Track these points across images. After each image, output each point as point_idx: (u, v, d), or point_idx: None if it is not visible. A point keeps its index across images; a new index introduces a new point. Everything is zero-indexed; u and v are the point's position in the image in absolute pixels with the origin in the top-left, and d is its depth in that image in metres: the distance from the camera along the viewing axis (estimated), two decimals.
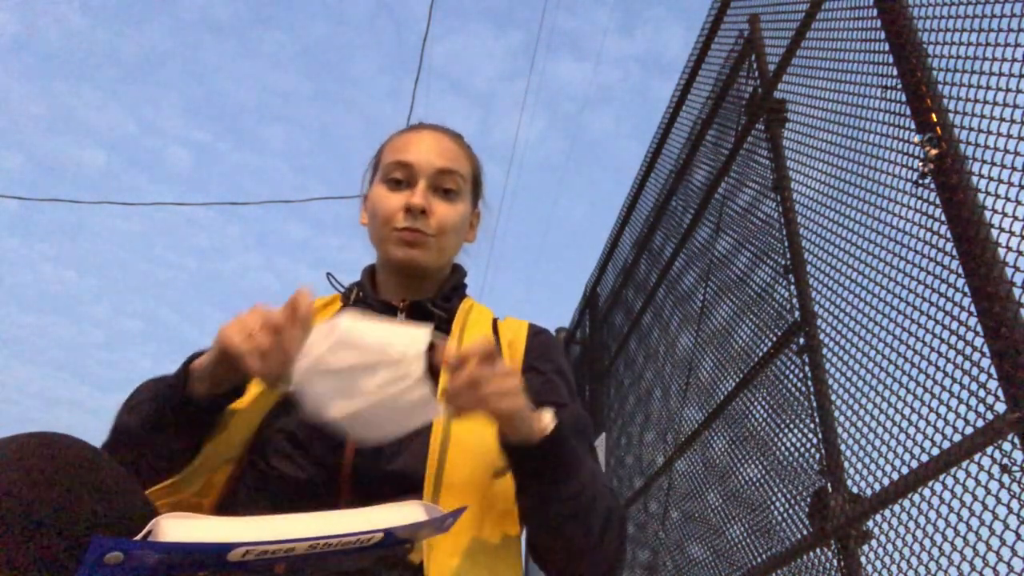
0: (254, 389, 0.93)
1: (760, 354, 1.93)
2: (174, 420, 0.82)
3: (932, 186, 1.29)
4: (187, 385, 0.82)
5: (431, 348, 0.72)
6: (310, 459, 0.88)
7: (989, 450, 1.08)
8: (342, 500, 0.87)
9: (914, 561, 1.21)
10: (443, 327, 1.01)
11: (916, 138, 1.34)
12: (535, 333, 1.07)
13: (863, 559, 1.39)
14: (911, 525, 1.23)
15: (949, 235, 1.24)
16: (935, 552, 1.16)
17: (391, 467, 0.88)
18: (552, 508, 0.83)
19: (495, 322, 1.08)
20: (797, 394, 1.70)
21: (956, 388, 1.17)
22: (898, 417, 1.31)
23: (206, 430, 0.87)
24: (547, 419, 0.80)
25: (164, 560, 0.59)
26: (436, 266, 1.06)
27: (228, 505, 0.89)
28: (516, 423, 0.77)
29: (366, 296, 1.06)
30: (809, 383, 1.65)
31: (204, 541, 0.61)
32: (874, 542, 1.36)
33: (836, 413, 1.55)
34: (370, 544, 0.68)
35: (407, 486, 0.85)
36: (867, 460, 1.39)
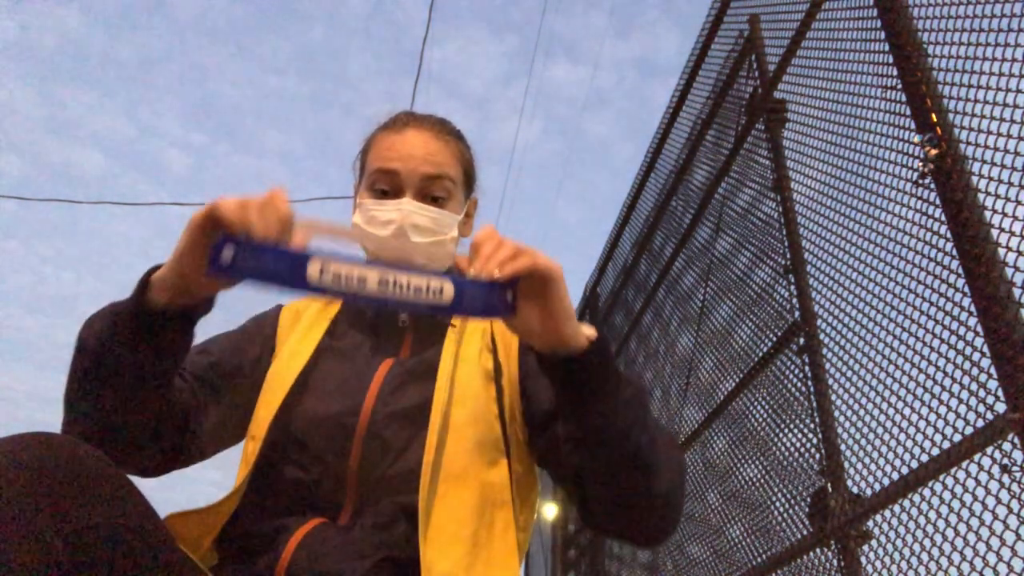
0: (278, 368, 0.96)
1: (760, 354, 1.93)
2: (130, 331, 0.75)
3: (932, 186, 1.29)
4: (145, 293, 0.75)
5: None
6: (317, 462, 0.88)
7: (989, 450, 1.08)
8: (348, 501, 0.88)
9: (914, 561, 1.21)
10: (446, 326, 1.01)
11: (916, 138, 1.34)
12: None
13: (863, 559, 1.39)
14: (911, 525, 1.23)
15: (949, 235, 1.24)
16: (935, 552, 1.16)
17: (395, 467, 0.88)
18: (607, 423, 0.76)
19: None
20: (797, 394, 1.70)
21: (956, 388, 1.17)
22: (898, 417, 1.31)
23: (169, 356, 0.80)
24: (591, 329, 0.77)
25: (263, 266, 0.68)
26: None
27: (238, 511, 0.89)
28: (556, 306, 0.73)
29: None
30: (809, 383, 1.65)
31: (288, 249, 0.69)
32: (874, 542, 1.36)
33: (836, 413, 1.55)
34: (438, 303, 0.71)
35: (412, 484, 0.86)
36: (867, 460, 1.39)
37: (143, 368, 0.78)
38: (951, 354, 1.20)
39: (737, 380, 2.06)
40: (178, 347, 0.81)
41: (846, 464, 1.48)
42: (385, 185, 1.00)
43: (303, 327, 1.03)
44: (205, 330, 0.92)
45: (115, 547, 0.67)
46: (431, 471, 0.84)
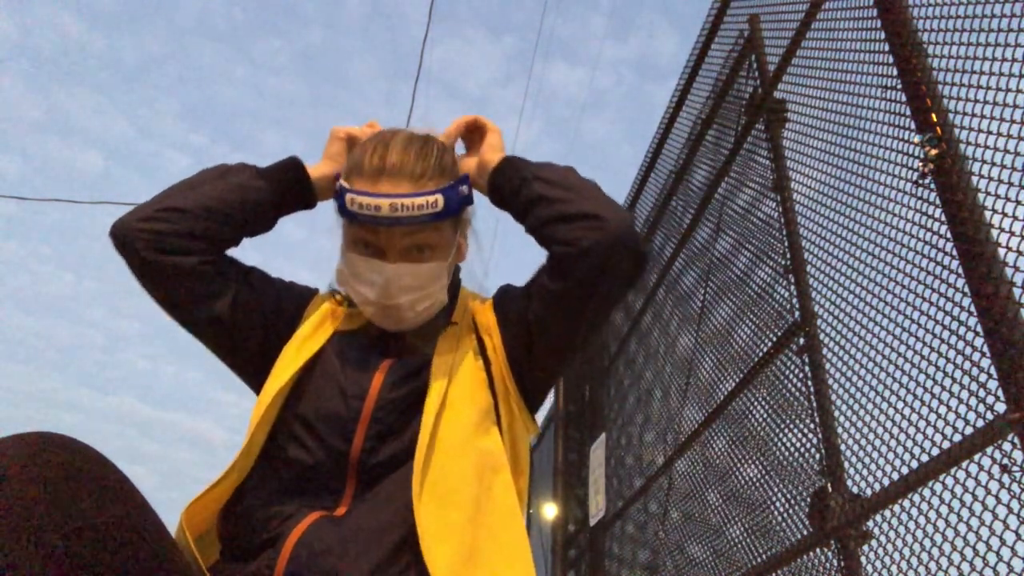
0: (290, 350, 0.99)
1: (760, 354, 1.93)
2: (278, 175, 1.03)
3: (932, 186, 1.29)
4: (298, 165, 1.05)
5: None
6: (321, 445, 0.91)
7: (989, 450, 1.08)
8: (349, 483, 0.90)
9: (914, 561, 1.21)
10: (443, 326, 1.05)
11: (916, 138, 1.34)
12: (496, 292, 1.12)
13: (863, 559, 1.39)
14: (911, 525, 1.23)
15: (949, 235, 1.24)
16: (935, 552, 1.16)
17: (396, 448, 0.91)
18: (545, 189, 0.96)
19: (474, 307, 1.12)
20: (797, 394, 1.70)
21: (956, 388, 1.17)
22: (898, 417, 1.31)
23: (280, 206, 1.04)
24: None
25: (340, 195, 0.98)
26: (422, 319, 1.03)
27: (243, 490, 0.90)
28: (488, 143, 1.05)
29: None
30: (809, 383, 1.65)
31: (340, 187, 0.99)
32: (874, 542, 1.36)
33: (836, 413, 1.55)
34: (436, 211, 0.96)
35: (409, 462, 0.89)
36: (867, 460, 1.39)
37: (261, 201, 1.01)
38: (951, 354, 1.20)
39: (737, 380, 2.06)
40: (286, 206, 1.04)
41: (846, 464, 1.48)
42: (366, 243, 0.98)
43: (317, 319, 1.05)
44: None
45: (115, 546, 0.67)
46: (427, 445, 0.88)
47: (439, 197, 0.96)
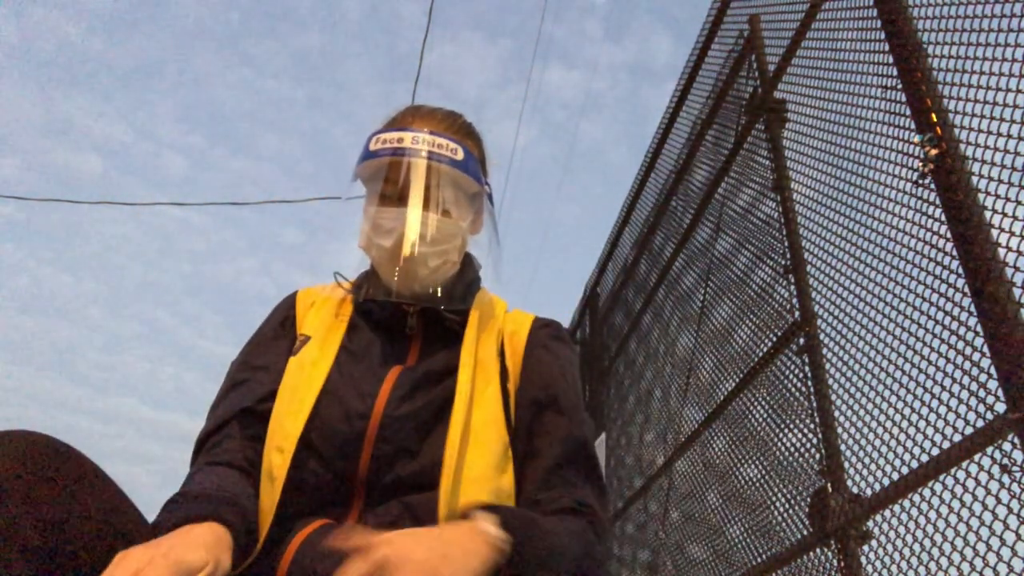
0: (301, 378, 0.93)
1: (760, 354, 1.93)
2: None
3: (932, 186, 1.29)
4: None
5: None
6: (326, 467, 0.88)
7: (989, 450, 1.08)
8: (355, 501, 0.87)
9: (914, 561, 1.21)
10: (456, 332, 1.00)
11: (916, 138, 1.34)
12: (540, 326, 1.05)
13: (863, 559, 1.39)
14: (911, 525, 1.23)
15: (949, 235, 1.24)
16: (935, 552, 1.16)
17: (405, 472, 0.87)
18: None
19: (504, 314, 1.07)
20: (797, 394, 1.70)
21: (956, 388, 1.17)
22: (898, 417, 1.31)
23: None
24: (491, 530, 0.72)
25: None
26: (435, 280, 1.01)
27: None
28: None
29: (376, 293, 1.04)
30: (809, 383, 1.65)
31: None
32: (874, 542, 1.36)
33: (836, 413, 1.55)
34: (453, 159, 0.96)
35: (421, 485, 0.86)
36: (867, 460, 1.39)
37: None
38: (951, 354, 1.20)
39: (737, 380, 2.06)
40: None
41: (846, 464, 1.48)
42: (390, 191, 0.98)
43: (322, 332, 1.01)
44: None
45: (91, 539, 0.67)
46: (452, 476, 0.83)
47: (459, 147, 0.97)
